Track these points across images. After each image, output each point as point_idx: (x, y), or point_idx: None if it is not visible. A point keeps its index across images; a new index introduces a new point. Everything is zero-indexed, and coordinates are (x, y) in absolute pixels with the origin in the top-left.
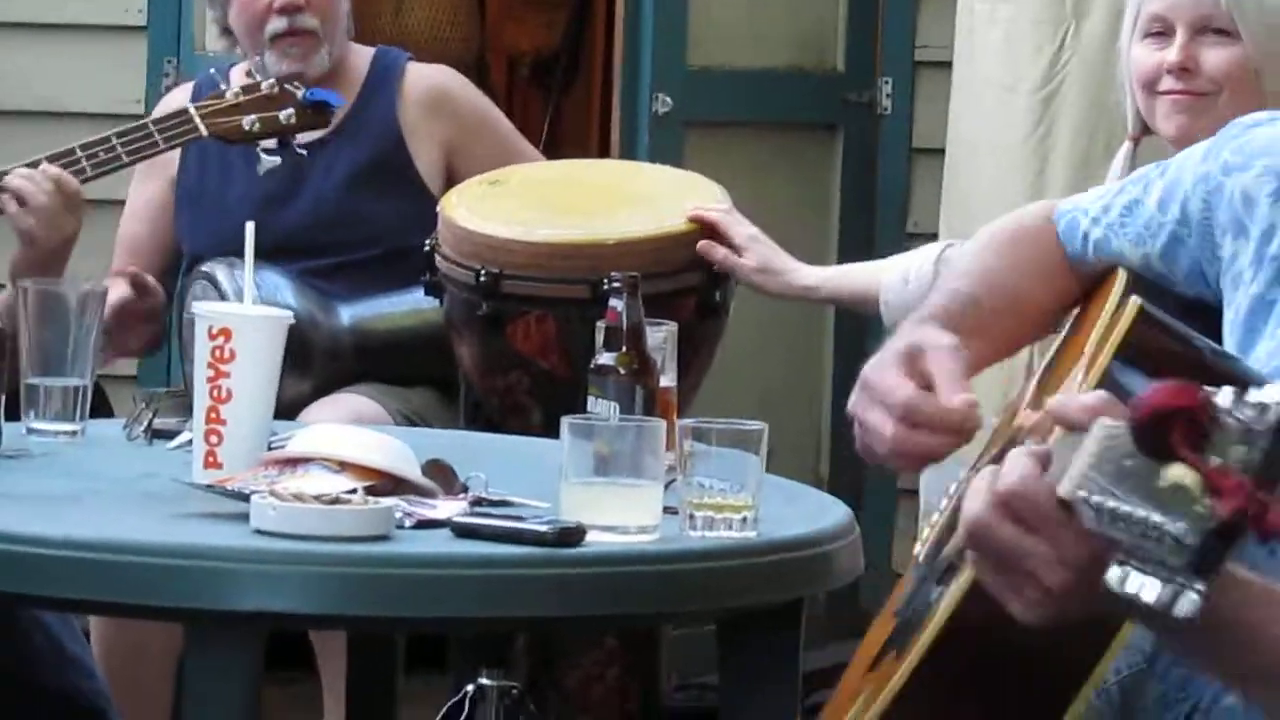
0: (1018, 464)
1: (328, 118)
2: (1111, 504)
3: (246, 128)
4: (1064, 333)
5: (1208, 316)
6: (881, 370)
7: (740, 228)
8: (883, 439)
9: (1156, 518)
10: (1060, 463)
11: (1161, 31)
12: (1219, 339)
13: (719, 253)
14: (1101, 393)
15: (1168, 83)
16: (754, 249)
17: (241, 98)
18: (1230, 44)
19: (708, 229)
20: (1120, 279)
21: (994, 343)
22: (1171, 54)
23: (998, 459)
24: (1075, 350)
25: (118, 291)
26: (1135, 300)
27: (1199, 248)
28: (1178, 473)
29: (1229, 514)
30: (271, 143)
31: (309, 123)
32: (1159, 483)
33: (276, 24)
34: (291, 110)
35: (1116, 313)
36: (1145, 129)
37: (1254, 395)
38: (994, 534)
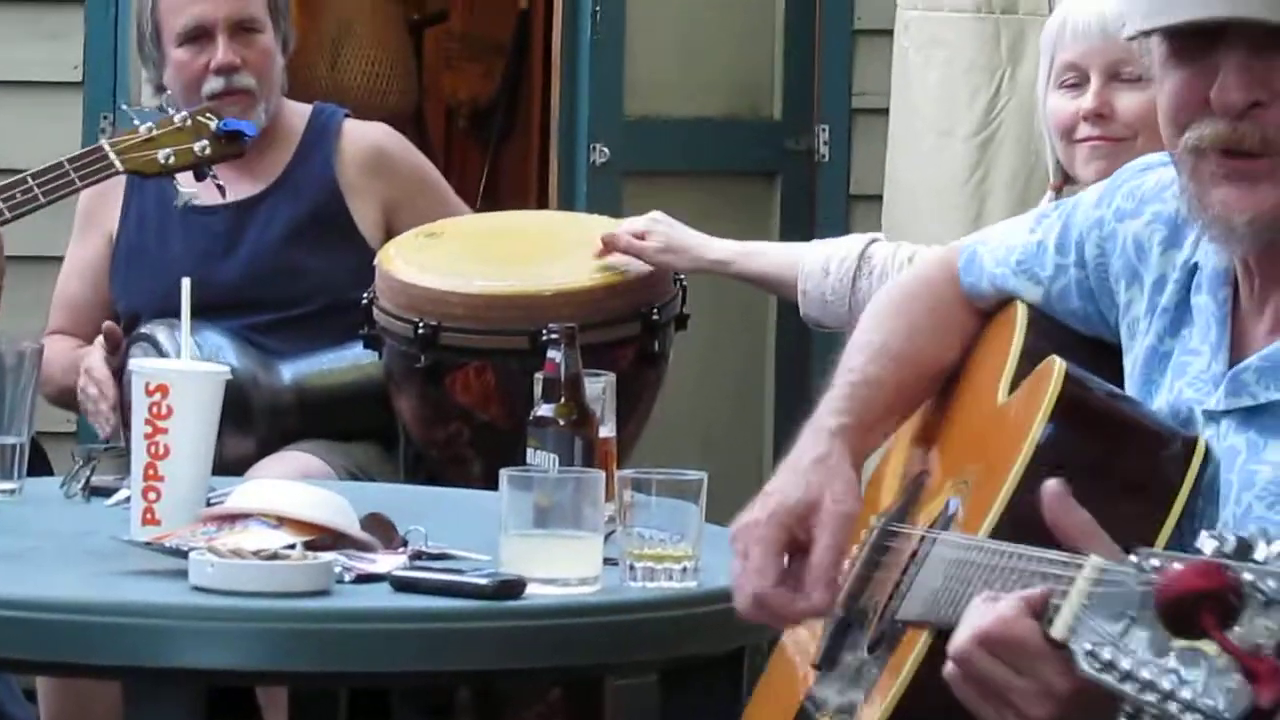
0: (1004, 607)
1: (243, 148)
2: (1119, 659)
3: (162, 161)
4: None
5: (1109, 355)
6: (763, 533)
7: (639, 218)
8: (735, 596)
9: (1184, 692)
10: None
11: (1076, 81)
12: (1112, 366)
13: (621, 241)
14: (1089, 517)
15: (1084, 129)
16: (656, 230)
17: (155, 131)
18: (1143, 88)
19: (620, 248)
20: (1019, 318)
21: (901, 415)
22: (1086, 100)
23: (903, 511)
24: (973, 384)
25: (100, 362)
26: (1060, 365)
27: (1098, 292)
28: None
29: (1269, 702)
30: (189, 177)
31: (224, 153)
32: (1173, 643)
33: (214, 84)
34: (206, 141)
35: (1041, 376)
36: (1067, 177)
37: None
38: (976, 667)
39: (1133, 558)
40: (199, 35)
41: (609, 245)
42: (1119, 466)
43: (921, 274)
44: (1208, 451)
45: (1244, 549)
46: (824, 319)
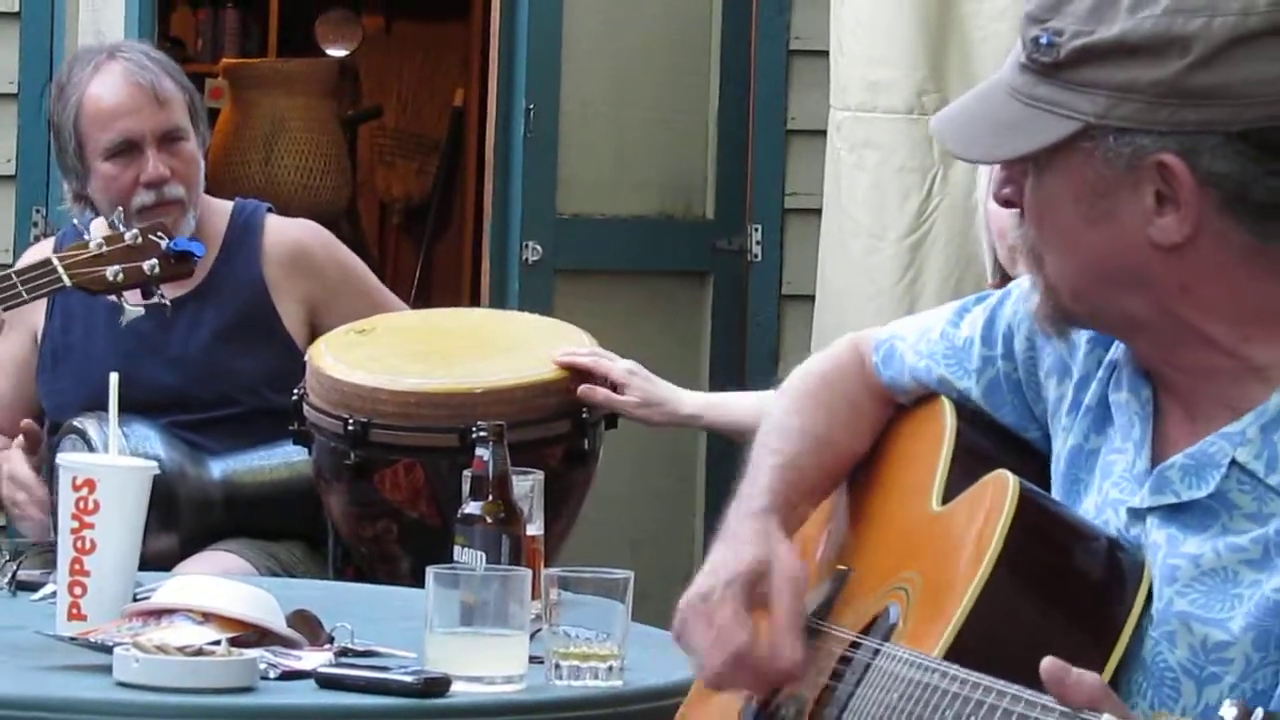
0: None
1: (192, 267)
2: None
3: (110, 278)
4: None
5: (1035, 455)
6: (724, 596)
7: (615, 364)
8: (705, 669)
9: None
10: None
11: None
12: (1039, 468)
13: (600, 394)
14: (1099, 679)
15: None
16: (633, 384)
17: (105, 248)
18: None
19: (580, 374)
20: (947, 418)
21: (820, 496)
22: None
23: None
24: (899, 483)
25: (22, 463)
26: (1013, 482)
27: (1025, 385)
28: None
29: None
30: (136, 294)
31: (173, 273)
32: None
33: (144, 197)
34: (155, 261)
35: (990, 489)
36: (1005, 277)
37: None
38: None
39: None
40: (126, 149)
41: (585, 396)
42: (1073, 586)
43: (836, 361)
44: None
45: None
46: None
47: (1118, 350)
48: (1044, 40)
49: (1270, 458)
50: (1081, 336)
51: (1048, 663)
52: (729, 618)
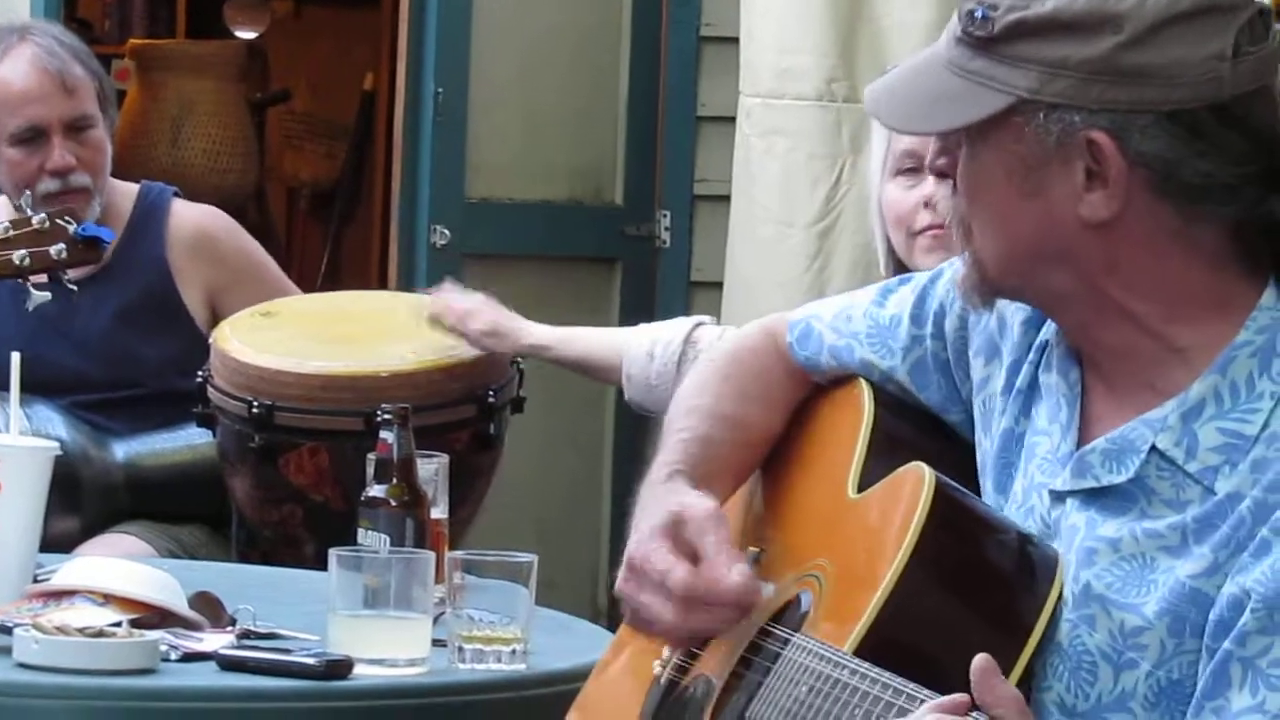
0: None
1: (100, 253)
2: None
3: (17, 263)
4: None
5: (955, 438)
6: (649, 549)
7: (464, 297)
8: (662, 623)
9: None
10: None
11: (914, 167)
12: (959, 455)
13: (449, 318)
14: (1017, 697)
15: (925, 218)
16: (480, 313)
17: (11, 233)
18: None
19: (448, 325)
20: (865, 402)
21: (733, 477)
22: (928, 187)
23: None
24: (815, 467)
25: None
26: (929, 477)
27: (954, 364)
28: None
29: None
30: (42, 278)
31: (81, 258)
32: None
33: (49, 185)
34: (63, 246)
35: (906, 483)
36: (898, 268)
37: None
38: None
39: None
40: (33, 136)
41: (436, 319)
42: (987, 585)
43: (746, 343)
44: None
45: None
46: (648, 403)
47: (1049, 331)
48: (979, 14)
49: (1189, 445)
50: (1015, 320)
51: (983, 658)
52: (659, 565)
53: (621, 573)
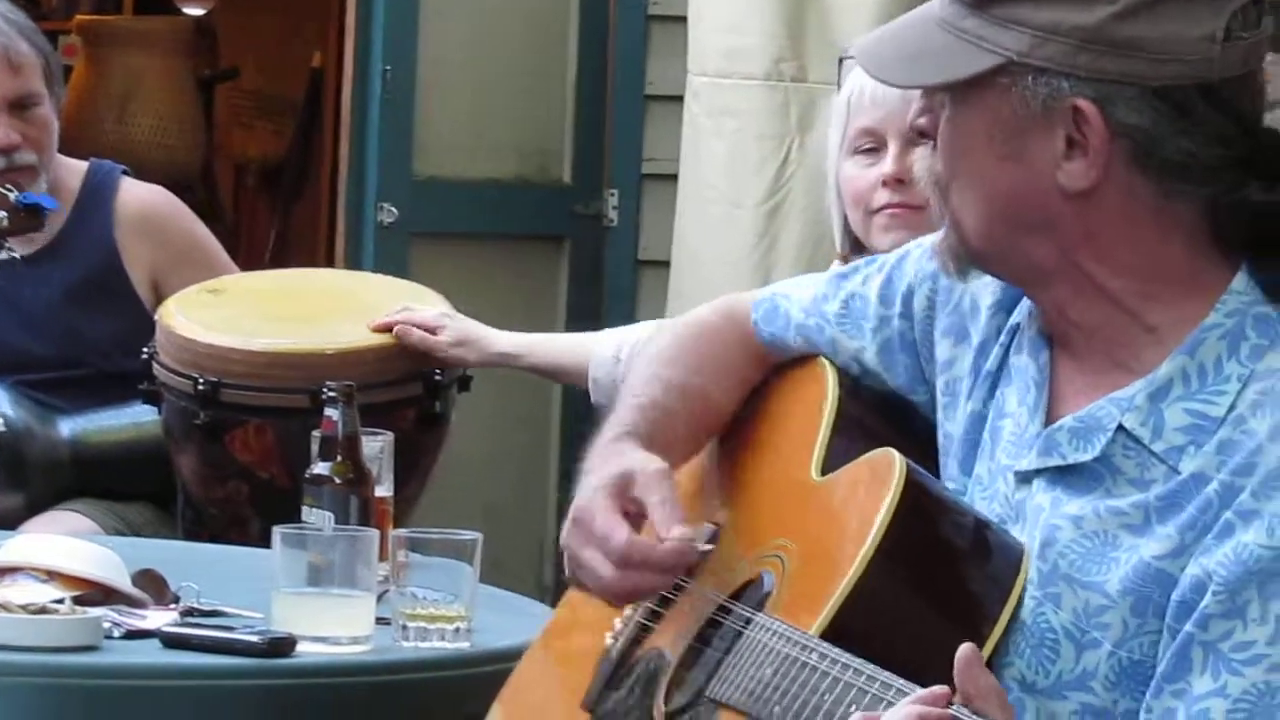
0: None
1: (42, 221)
2: None
3: None
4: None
5: (919, 420)
6: (594, 507)
7: (427, 310)
8: (599, 580)
9: None
10: None
11: (873, 146)
12: (921, 439)
13: (414, 335)
14: (995, 684)
15: (883, 196)
16: (448, 325)
17: None
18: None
19: (412, 343)
20: (828, 383)
21: (686, 448)
22: (886, 165)
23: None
24: (776, 447)
25: None
26: (900, 464)
27: (920, 344)
28: None
29: None
30: None
31: (23, 226)
32: None
33: None
34: (4, 214)
35: (876, 468)
36: (856, 246)
37: None
38: None
39: None
40: None
41: (401, 338)
42: (954, 573)
43: (703, 321)
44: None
45: None
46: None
47: (1020, 314)
48: None
49: (1156, 425)
50: (984, 303)
51: (968, 647)
52: (604, 522)
53: (566, 525)
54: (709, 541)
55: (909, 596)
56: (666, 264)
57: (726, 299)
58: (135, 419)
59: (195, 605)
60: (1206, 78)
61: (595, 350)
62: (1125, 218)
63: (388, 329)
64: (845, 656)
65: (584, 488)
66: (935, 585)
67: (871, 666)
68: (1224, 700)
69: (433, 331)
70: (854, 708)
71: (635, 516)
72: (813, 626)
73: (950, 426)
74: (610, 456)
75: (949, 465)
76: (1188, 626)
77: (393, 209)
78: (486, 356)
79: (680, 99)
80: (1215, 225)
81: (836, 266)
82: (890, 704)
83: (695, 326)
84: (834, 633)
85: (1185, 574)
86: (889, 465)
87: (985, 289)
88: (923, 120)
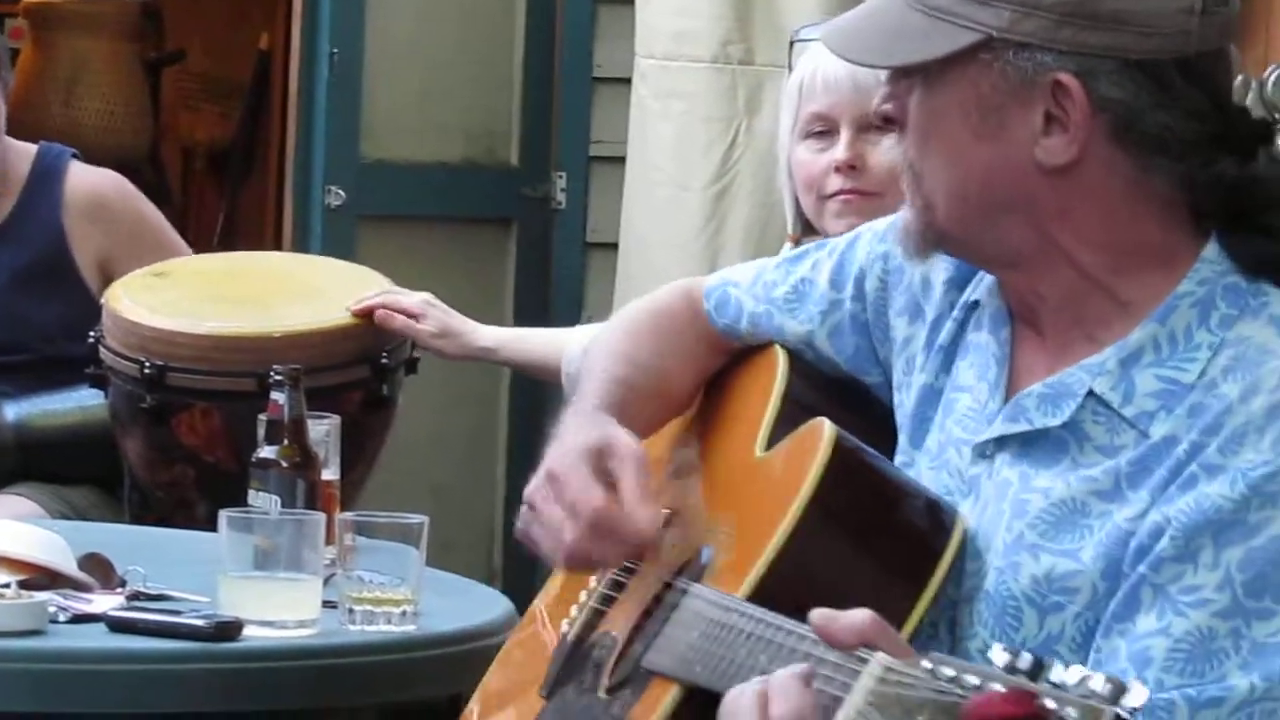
0: (787, 688)
1: None
2: None
3: None
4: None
5: (869, 401)
6: (570, 467)
7: (409, 296)
8: (560, 541)
9: None
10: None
11: (825, 131)
12: (872, 419)
13: (398, 321)
14: (869, 615)
15: (835, 182)
16: (430, 314)
17: None
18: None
19: (395, 328)
20: (779, 365)
21: (645, 427)
22: (839, 152)
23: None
24: (726, 429)
25: None
26: (829, 429)
27: (873, 326)
28: None
29: None
30: None
31: None
32: None
33: None
34: None
35: (807, 437)
36: (807, 229)
37: (1084, 685)
38: None
39: (925, 663)
40: None
41: (382, 323)
42: (883, 537)
43: (664, 304)
44: (965, 531)
45: (1038, 668)
46: None
47: (977, 290)
48: None
49: (1127, 390)
50: (938, 279)
51: (815, 613)
52: (580, 485)
53: (536, 479)
54: (664, 525)
55: (836, 558)
56: (614, 246)
57: (686, 282)
58: (81, 403)
59: (141, 589)
60: (1184, 51)
61: (568, 347)
62: (1102, 192)
63: (369, 312)
64: (769, 616)
65: (559, 448)
66: (863, 548)
67: (791, 622)
68: (1166, 639)
69: (414, 318)
70: (768, 660)
71: (606, 487)
72: (740, 589)
73: (904, 398)
74: (588, 425)
75: (901, 438)
76: (1140, 568)
77: (340, 192)
78: (468, 351)
79: (628, 81)
80: (1191, 200)
81: (788, 248)
82: (795, 652)
83: (657, 311)
84: (760, 595)
85: (1146, 520)
86: (819, 432)
87: (938, 265)
88: (888, 107)
